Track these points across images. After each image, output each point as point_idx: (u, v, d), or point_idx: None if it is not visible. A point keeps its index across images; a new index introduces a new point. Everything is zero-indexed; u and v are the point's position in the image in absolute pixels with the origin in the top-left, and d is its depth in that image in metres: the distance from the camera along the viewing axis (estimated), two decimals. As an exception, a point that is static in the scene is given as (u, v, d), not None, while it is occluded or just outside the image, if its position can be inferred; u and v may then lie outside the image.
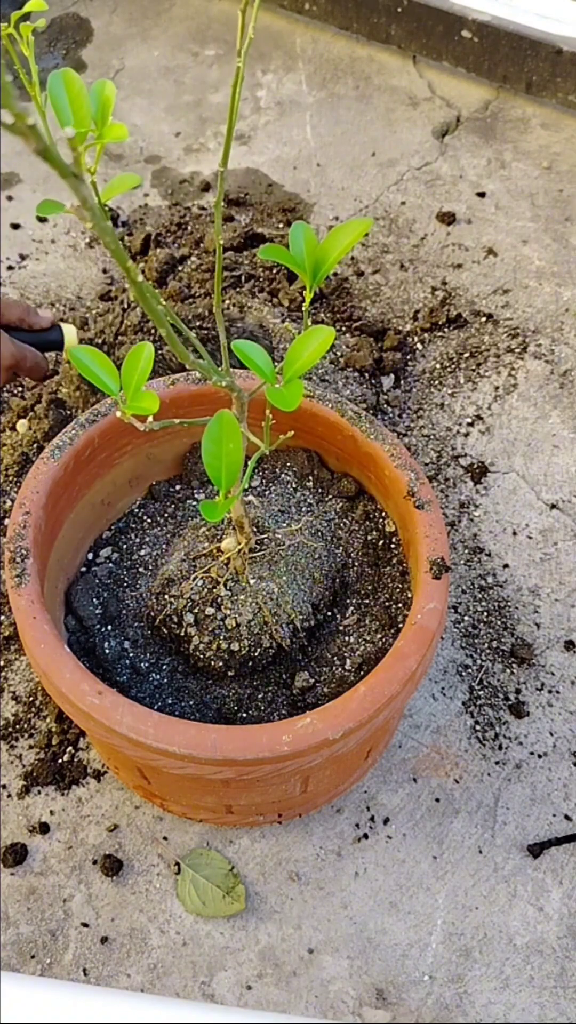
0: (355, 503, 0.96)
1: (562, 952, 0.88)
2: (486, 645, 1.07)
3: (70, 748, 0.98)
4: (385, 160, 1.64)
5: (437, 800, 0.96)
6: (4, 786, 0.96)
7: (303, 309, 0.68)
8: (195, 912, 0.89)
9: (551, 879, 0.92)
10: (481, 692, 1.03)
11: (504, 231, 1.52)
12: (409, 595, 0.88)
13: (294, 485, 0.97)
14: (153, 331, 1.17)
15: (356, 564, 0.92)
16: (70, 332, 1.07)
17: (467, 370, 1.33)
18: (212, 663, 0.83)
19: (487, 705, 1.02)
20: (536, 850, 0.93)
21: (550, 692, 1.04)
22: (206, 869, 0.91)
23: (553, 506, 1.19)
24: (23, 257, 1.48)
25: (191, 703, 0.83)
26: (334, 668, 0.85)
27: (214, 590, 0.83)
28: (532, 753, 0.99)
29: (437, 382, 1.32)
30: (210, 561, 0.85)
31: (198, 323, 1.21)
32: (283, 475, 0.98)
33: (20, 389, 1.27)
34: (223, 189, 0.58)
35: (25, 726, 0.99)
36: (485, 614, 1.09)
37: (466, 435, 1.26)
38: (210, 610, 0.83)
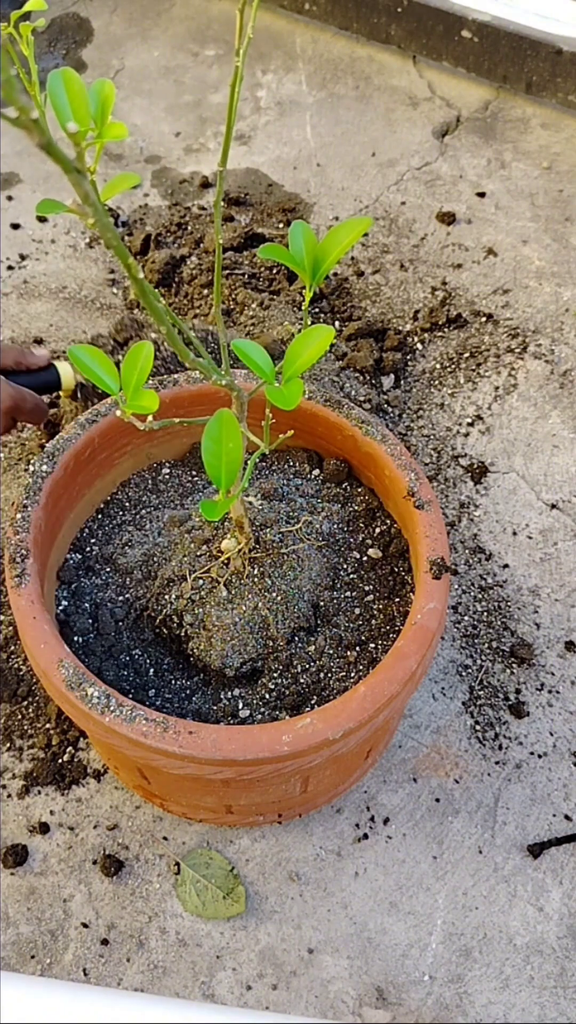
0: (355, 503, 0.96)
1: (562, 952, 0.88)
2: (486, 645, 1.07)
3: (70, 748, 0.97)
4: (385, 160, 1.64)
5: (437, 800, 0.96)
6: (4, 786, 0.96)
7: (303, 308, 0.68)
8: (195, 913, 0.89)
9: (551, 879, 0.92)
10: (481, 692, 1.03)
11: (504, 231, 1.52)
12: (409, 594, 0.88)
13: (294, 485, 0.97)
14: None
15: (356, 564, 0.91)
16: (66, 370, 1.04)
17: (467, 370, 1.33)
18: (212, 663, 0.83)
19: (487, 705, 1.02)
20: (536, 850, 0.93)
21: (550, 692, 1.03)
22: (206, 870, 0.91)
23: (553, 506, 1.19)
24: (23, 257, 1.48)
25: (191, 703, 0.83)
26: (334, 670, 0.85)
27: (214, 590, 0.83)
28: (532, 753, 0.99)
29: (437, 382, 1.32)
30: (210, 561, 0.85)
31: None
32: (283, 475, 0.98)
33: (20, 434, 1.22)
34: (222, 189, 0.58)
35: (25, 726, 0.99)
36: (485, 614, 1.09)
37: (466, 435, 1.26)
38: (210, 610, 0.83)
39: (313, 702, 0.82)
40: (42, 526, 0.84)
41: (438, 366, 1.34)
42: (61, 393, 1.09)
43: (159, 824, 0.94)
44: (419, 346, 1.36)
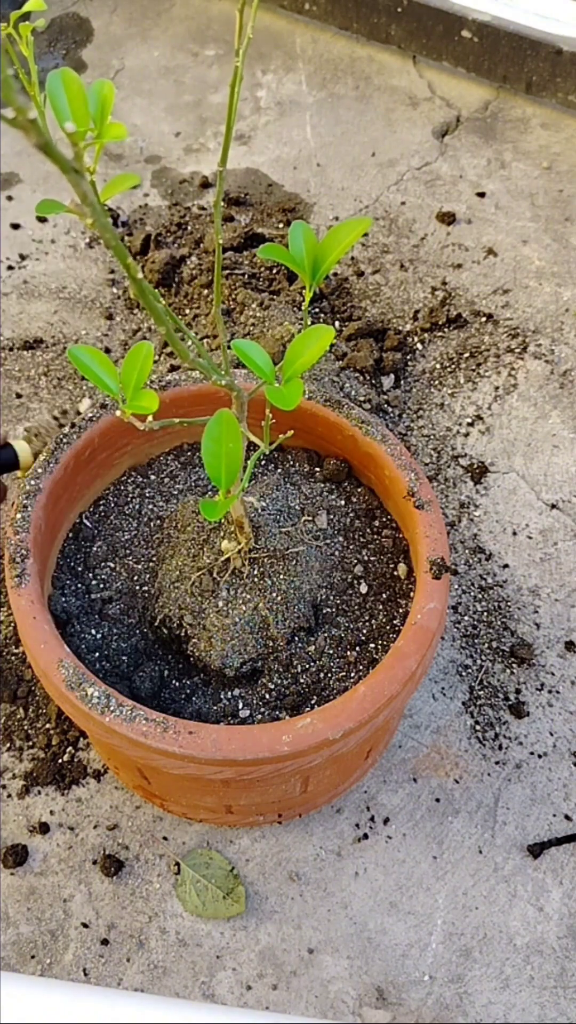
0: (355, 503, 0.96)
1: (562, 952, 0.88)
2: (486, 645, 1.07)
3: (70, 748, 0.97)
4: (385, 160, 1.64)
5: (437, 800, 0.96)
6: (4, 786, 0.96)
7: (303, 308, 0.68)
8: (195, 913, 0.89)
9: (551, 879, 0.92)
10: (481, 692, 1.03)
11: (504, 231, 1.52)
12: (409, 594, 0.88)
13: (294, 485, 0.97)
14: None
15: (356, 564, 0.91)
16: (23, 450, 1.06)
17: (467, 370, 1.33)
18: (212, 663, 0.83)
19: (487, 705, 1.02)
20: (536, 850, 0.93)
21: (550, 692, 1.03)
22: (206, 870, 0.91)
23: (553, 506, 1.19)
24: (23, 257, 1.48)
25: (191, 703, 0.83)
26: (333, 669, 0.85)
27: (214, 590, 0.83)
28: (532, 753, 0.99)
29: (437, 382, 1.32)
30: (210, 561, 0.85)
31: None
32: (283, 475, 0.98)
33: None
34: (222, 188, 0.58)
35: (25, 726, 0.99)
36: (485, 614, 1.09)
37: (466, 435, 1.26)
38: (210, 610, 0.82)
39: (313, 702, 0.82)
40: (42, 526, 0.84)
41: (438, 366, 1.34)
42: (19, 473, 1.10)
43: (159, 824, 0.94)
44: (419, 346, 1.36)
